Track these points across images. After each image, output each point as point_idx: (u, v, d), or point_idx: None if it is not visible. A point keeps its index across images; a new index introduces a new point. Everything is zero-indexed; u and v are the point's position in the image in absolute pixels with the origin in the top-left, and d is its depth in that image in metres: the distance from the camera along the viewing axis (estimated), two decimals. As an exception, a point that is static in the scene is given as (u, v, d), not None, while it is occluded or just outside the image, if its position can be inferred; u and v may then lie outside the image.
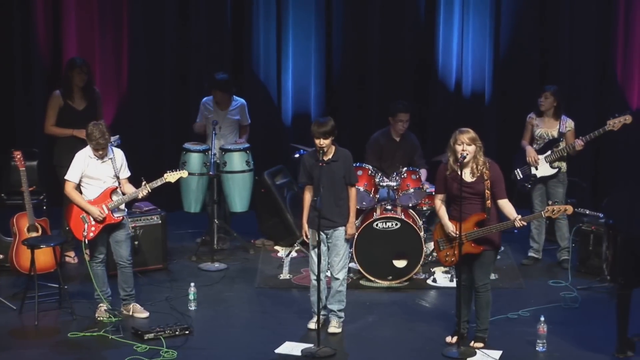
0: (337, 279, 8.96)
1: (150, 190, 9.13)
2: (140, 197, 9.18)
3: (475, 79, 12.79)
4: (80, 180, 9.10)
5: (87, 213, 9.06)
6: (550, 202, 10.37)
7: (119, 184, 9.16)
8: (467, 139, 8.36)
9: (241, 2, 12.71)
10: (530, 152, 10.67)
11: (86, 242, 9.06)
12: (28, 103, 12.52)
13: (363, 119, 12.83)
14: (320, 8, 12.69)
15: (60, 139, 10.59)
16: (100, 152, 9.03)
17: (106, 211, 9.07)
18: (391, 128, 10.94)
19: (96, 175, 9.09)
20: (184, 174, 9.42)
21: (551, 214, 8.51)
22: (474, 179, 8.43)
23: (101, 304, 9.25)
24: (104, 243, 9.24)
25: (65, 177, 9.15)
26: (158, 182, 9.20)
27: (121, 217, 9.21)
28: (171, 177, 9.28)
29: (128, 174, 9.26)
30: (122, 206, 9.20)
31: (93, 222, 9.08)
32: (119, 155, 9.23)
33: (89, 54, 12.17)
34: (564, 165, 10.67)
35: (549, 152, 10.63)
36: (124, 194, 9.17)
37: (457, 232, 8.38)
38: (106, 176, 9.12)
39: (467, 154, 8.35)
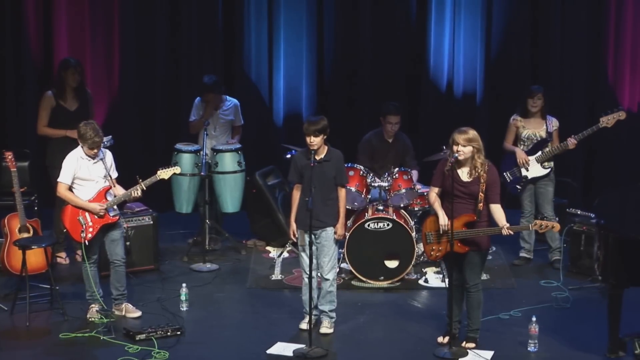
0: (327, 279, 8.94)
1: (144, 189, 9.12)
2: (134, 195, 9.15)
3: (466, 79, 12.79)
4: (72, 182, 9.09)
5: (87, 211, 9.03)
6: (540, 216, 10.39)
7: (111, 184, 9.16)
8: (463, 140, 8.34)
9: (232, 3, 12.70)
10: (520, 153, 10.63)
11: (86, 243, 9.03)
12: (19, 104, 12.48)
13: (355, 119, 12.82)
14: (312, 8, 12.68)
15: (52, 139, 10.57)
16: (95, 151, 9.01)
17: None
18: (382, 129, 10.94)
19: (88, 176, 9.07)
20: (176, 169, 9.41)
21: (538, 229, 8.49)
22: (470, 179, 8.42)
23: (92, 305, 9.23)
24: (98, 244, 9.23)
25: (58, 180, 9.12)
26: (152, 180, 9.19)
27: (118, 217, 9.22)
28: (164, 173, 9.26)
29: (116, 174, 9.25)
30: (115, 206, 9.20)
31: (90, 223, 9.06)
32: (108, 155, 9.21)
33: (80, 54, 12.12)
34: (552, 164, 10.68)
35: (539, 153, 10.62)
36: (114, 194, 9.16)
37: (448, 228, 8.37)
38: (98, 176, 9.09)
39: (461, 155, 8.34)
